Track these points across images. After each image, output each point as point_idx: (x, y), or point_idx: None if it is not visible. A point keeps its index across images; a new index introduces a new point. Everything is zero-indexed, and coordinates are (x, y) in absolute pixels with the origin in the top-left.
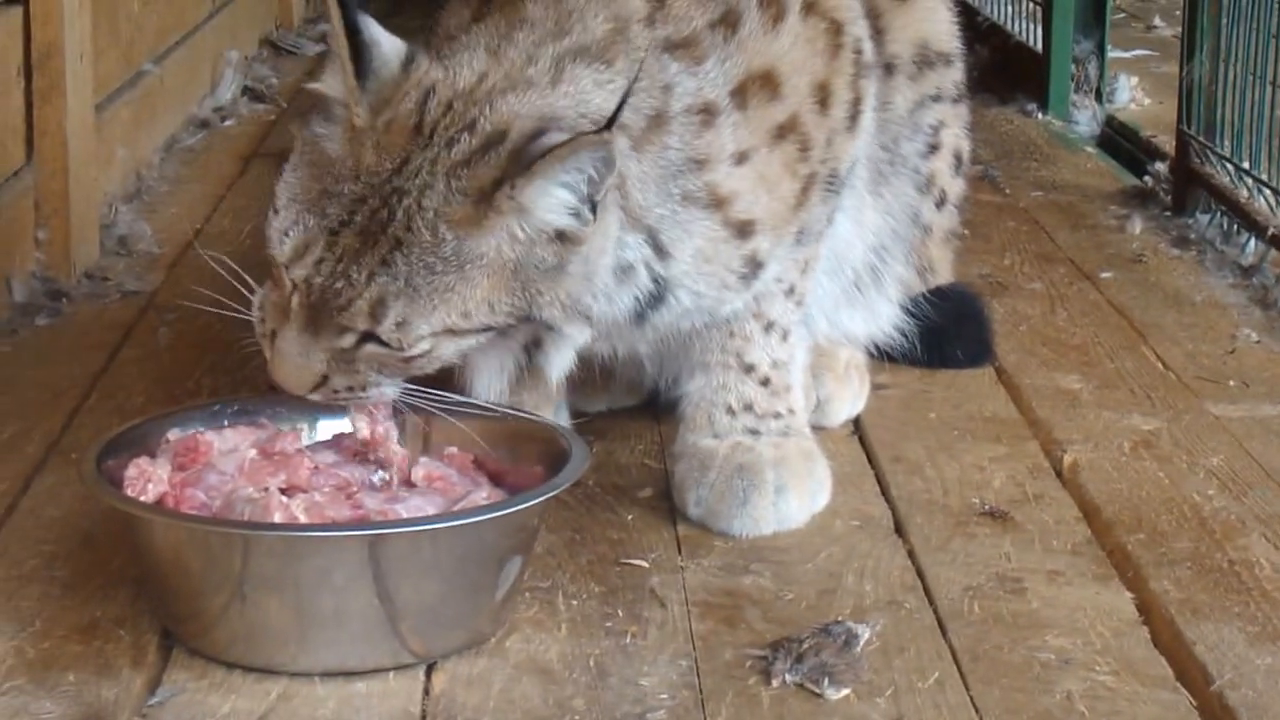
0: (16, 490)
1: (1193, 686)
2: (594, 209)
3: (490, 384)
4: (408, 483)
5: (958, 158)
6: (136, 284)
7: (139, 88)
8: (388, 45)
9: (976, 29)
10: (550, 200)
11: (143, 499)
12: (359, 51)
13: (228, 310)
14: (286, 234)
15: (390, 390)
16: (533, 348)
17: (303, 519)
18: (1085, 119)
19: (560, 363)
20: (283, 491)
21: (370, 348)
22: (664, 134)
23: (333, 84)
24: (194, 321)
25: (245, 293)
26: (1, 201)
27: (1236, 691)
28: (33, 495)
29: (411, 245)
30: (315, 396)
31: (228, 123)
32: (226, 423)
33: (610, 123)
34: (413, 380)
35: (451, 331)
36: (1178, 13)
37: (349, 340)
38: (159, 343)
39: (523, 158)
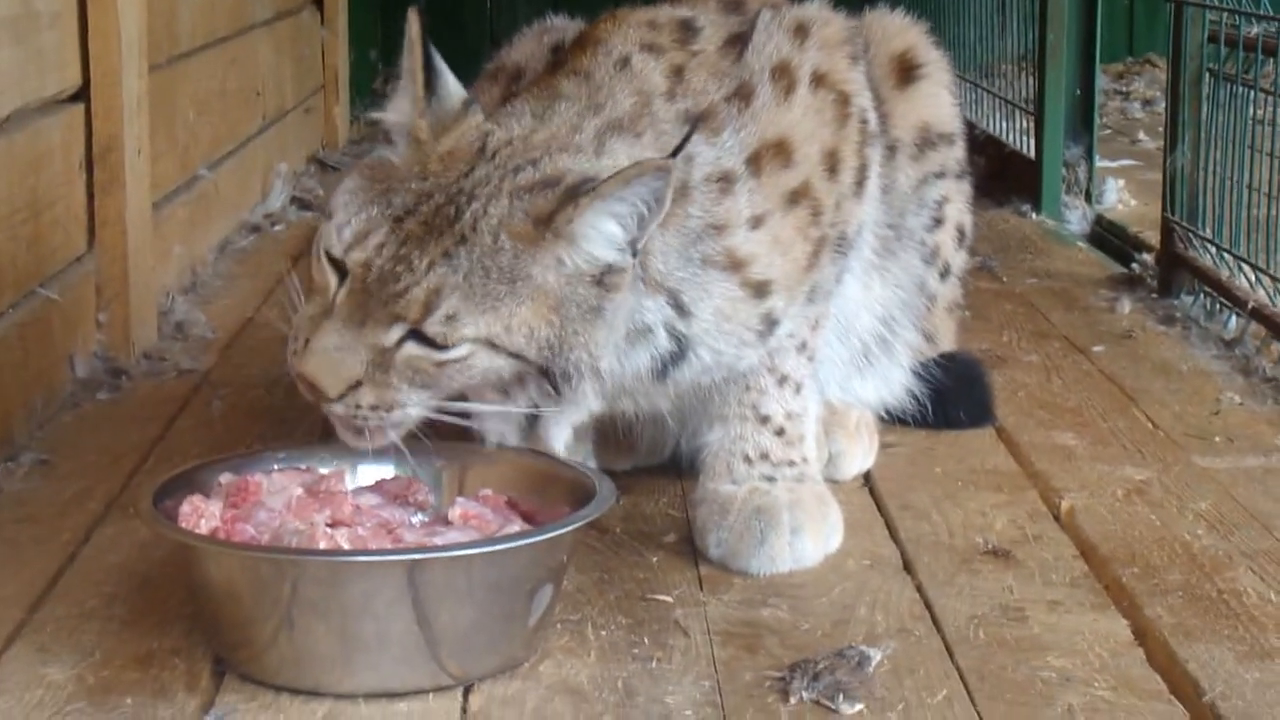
0: (79, 540)
1: (1186, 700)
2: (634, 252)
3: (503, 431)
4: (445, 520)
5: (961, 231)
6: (192, 364)
7: (194, 190)
8: (454, 83)
9: (974, 140)
10: (600, 232)
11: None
12: (430, 73)
13: None
14: (347, 224)
15: (415, 411)
16: (533, 419)
17: (346, 549)
18: (1076, 218)
19: (559, 434)
20: (328, 526)
21: (410, 347)
22: (686, 203)
23: (398, 110)
24: (246, 395)
25: None
26: (65, 285)
27: (1227, 702)
28: (94, 545)
29: (474, 244)
30: (338, 408)
31: (277, 228)
32: (276, 467)
33: (676, 151)
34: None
35: (490, 344)
36: (1160, 129)
37: (394, 335)
38: (213, 413)
39: (580, 189)
